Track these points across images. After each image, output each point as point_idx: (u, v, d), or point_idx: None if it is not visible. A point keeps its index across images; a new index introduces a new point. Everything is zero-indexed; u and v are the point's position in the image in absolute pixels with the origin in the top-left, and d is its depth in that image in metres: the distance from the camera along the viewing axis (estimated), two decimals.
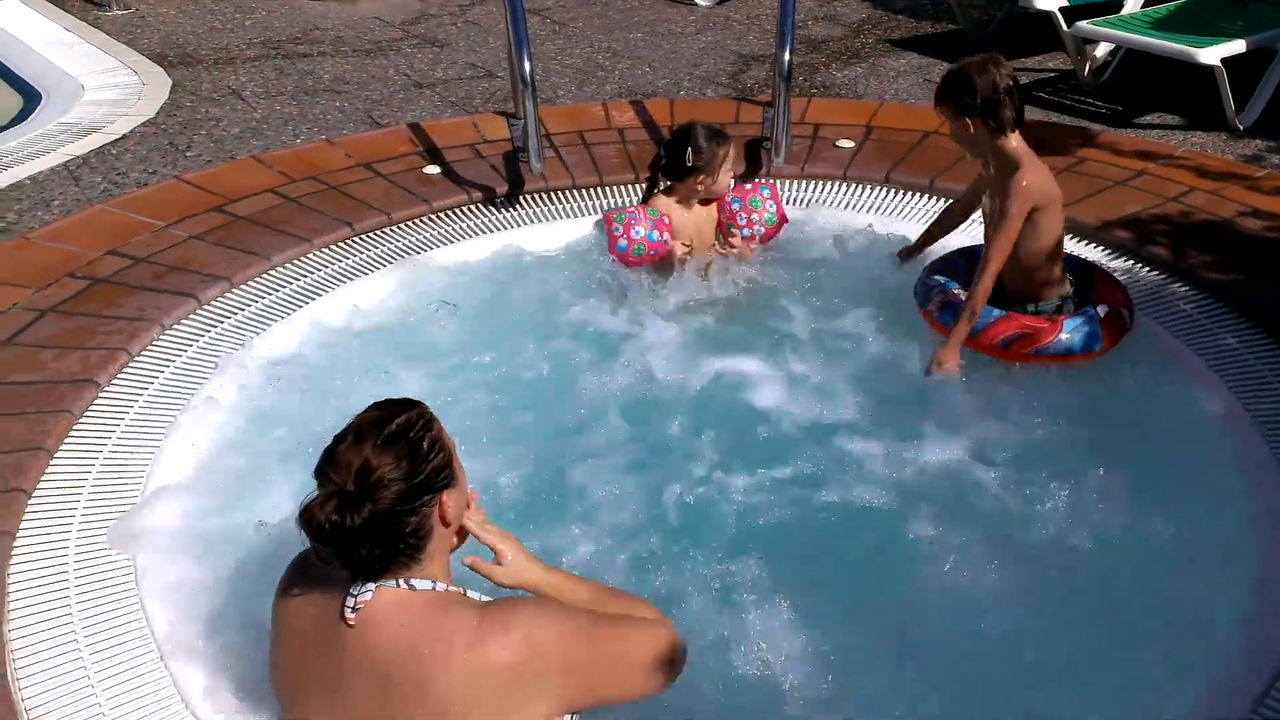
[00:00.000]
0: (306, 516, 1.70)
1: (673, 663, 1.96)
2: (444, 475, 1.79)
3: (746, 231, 3.75)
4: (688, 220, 3.76)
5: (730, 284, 3.67)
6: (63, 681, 2.21)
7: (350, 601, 1.75)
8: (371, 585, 1.76)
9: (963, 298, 3.19)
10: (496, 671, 1.71)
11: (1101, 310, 3.16)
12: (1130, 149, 4.57)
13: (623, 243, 3.62)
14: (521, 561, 2.00)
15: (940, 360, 3.14)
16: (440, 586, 1.80)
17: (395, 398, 1.85)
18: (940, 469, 2.84)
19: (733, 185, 3.81)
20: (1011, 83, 3.04)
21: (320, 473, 1.73)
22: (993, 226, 3.17)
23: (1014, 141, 3.08)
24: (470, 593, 1.85)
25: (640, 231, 3.63)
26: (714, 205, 3.79)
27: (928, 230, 3.70)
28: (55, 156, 4.63)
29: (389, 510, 1.70)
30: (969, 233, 3.61)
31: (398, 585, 1.77)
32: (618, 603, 2.05)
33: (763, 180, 3.97)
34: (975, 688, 2.25)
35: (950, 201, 3.66)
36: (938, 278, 3.36)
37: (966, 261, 3.40)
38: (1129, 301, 3.26)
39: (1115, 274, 3.53)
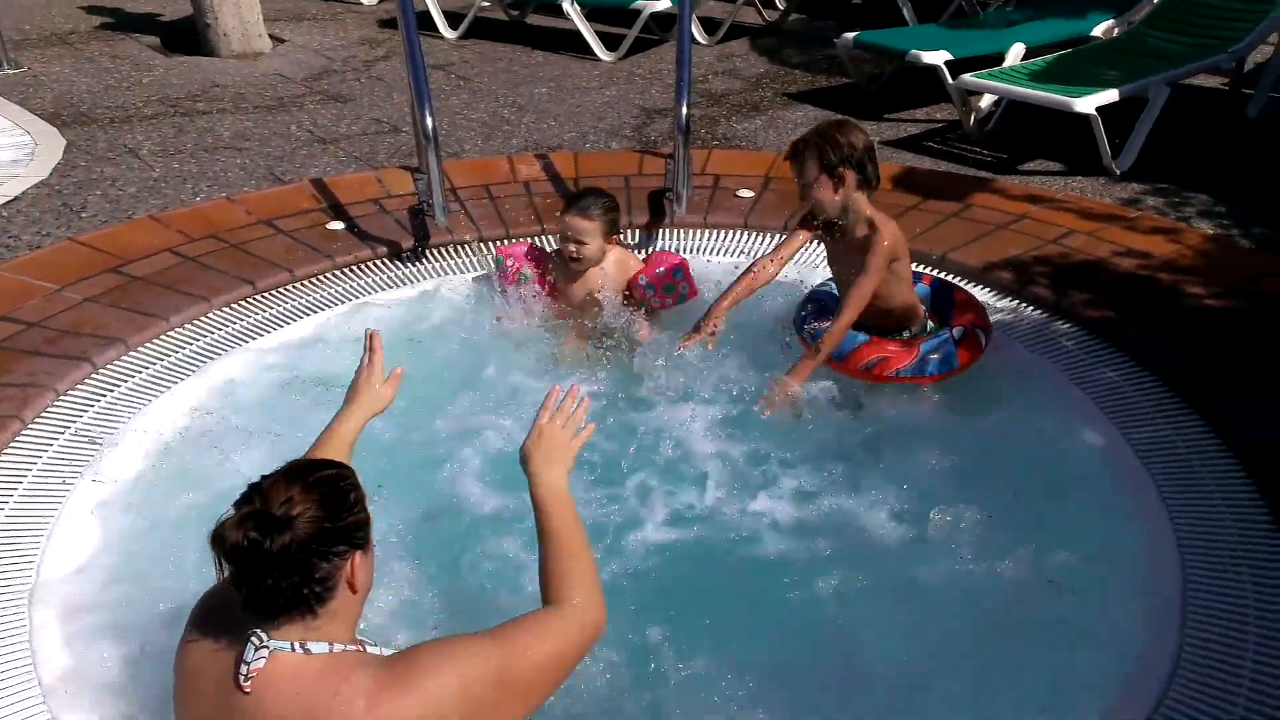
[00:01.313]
0: (220, 534, 1.68)
1: (583, 643, 1.97)
2: (361, 533, 1.80)
3: (656, 306, 3.79)
4: (577, 287, 3.78)
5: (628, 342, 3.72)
6: None
7: (244, 669, 1.72)
8: (265, 650, 1.73)
9: (858, 340, 3.31)
10: None
11: (956, 332, 3.34)
12: (1015, 193, 4.79)
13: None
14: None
15: (782, 384, 3.19)
16: (338, 647, 1.78)
17: (323, 458, 1.88)
18: (836, 507, 2.92)
19: (646, 258, 3.87)
20: (871, 144, 3.20)
21: (242, 499, 1.73)
22: (848, 280, 3.29)
23: (868, 200, 3.23)
24: (370, 647, 1.84)
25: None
26: (619, 276, 3.78)
27: (725, 299, 3.45)
28: None
29: (303, 544, 1.69)
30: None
31: (293, 649, 1.74)
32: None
33: (673, 255, 3.89)
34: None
35: (756, 260, 3.52)
36: (808, 309, 3.53)
37: (833, 295, 3.55)
38: (985, 321, 3.44)
39: (999, 313, 3.70)
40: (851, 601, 2.61)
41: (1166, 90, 5.37)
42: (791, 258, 3.50)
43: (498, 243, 4.35)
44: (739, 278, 3.49)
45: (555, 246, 3.92)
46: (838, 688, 2.40)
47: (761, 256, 3.55)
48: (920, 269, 3.89)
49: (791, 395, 3.19)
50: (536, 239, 4.42)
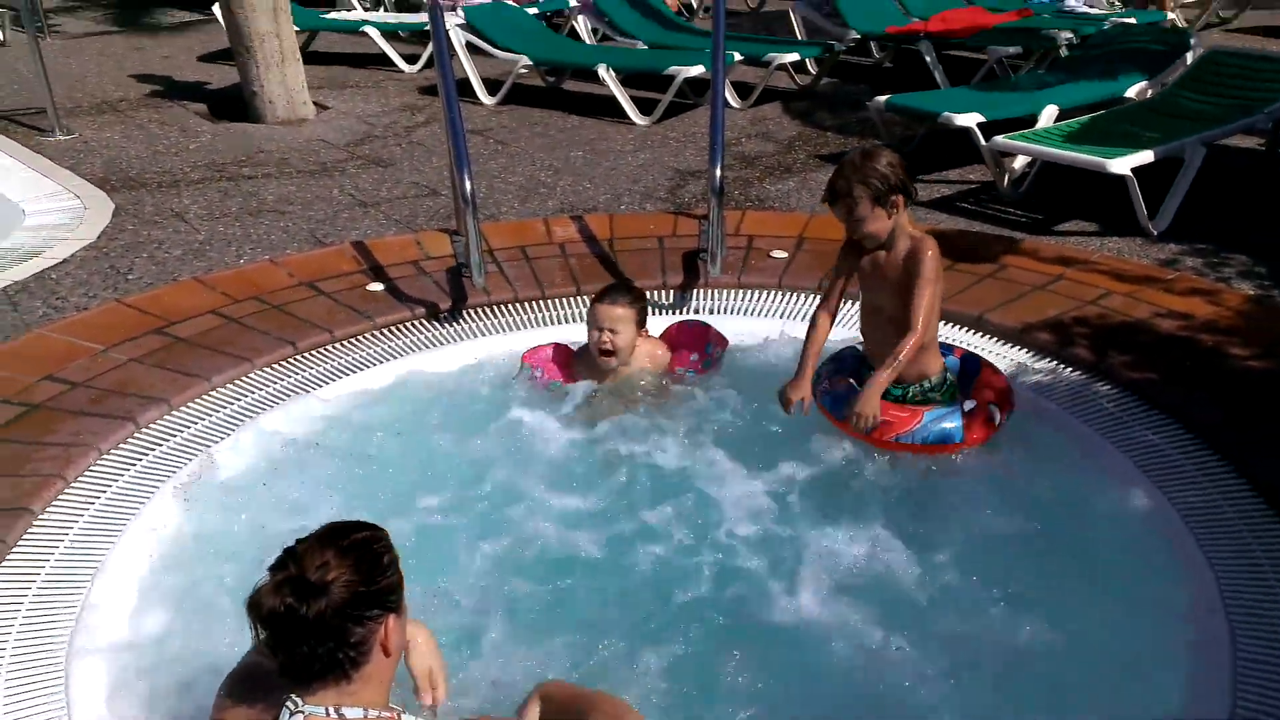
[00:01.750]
0: (256, 601, 1.70)
1: None
2: (394, 596, 1.82)
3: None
4: (606, 386, 3.72)
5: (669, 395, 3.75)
6: None
7: None
8: (301, 714, 1.73)
9: (839, 384, 3.36)
10: None
11: (968, 405, 3.30)
12: (1049, 255, 4.78)
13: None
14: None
15: (859, 412, 3.18)
16: (372, 713, 1.79)
17: (358, 519, 1.89)
18: (870, 567, 2.88)
19: (674, 349, 3.85)
20: (902, 159, 3.19)
21: (278, 564, 1.75)
22: (884, 304, 3.27)
23: (908, 216, 3.23)
24: (405, 715, 1.84)
25: (527, 366, 3.80)
26: (648, 366, 3.77)
27: (805, 356, 3.43)
28: None
29: (339, 610, 1.70)
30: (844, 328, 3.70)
31: (327, 714, 1.75)
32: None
33: (697, 332, 3.88)
34: None
35: (813, 316, 3.50)
36: (826, 369, 3.51)
37: (855, 353, 3.56)
38: (1004, 400, 3.35)
39: (1038, 374, 3.68)
40: (884, 663, 2.57)
41: (1203, 151, 5.36)
42: (842, 298, 3.48)
43: (535, 304, 4.41)
44: (805, 342, 3.46)
45: (580, 343, 3.84)
46: None
47: (816, 311, 3.50)
48: (954, 340, 3.89)
49: (872, 414, 3.17)
50: (571, 299, 4.46)
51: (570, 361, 3.84)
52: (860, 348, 3.57)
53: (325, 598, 1.69)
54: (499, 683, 2.45)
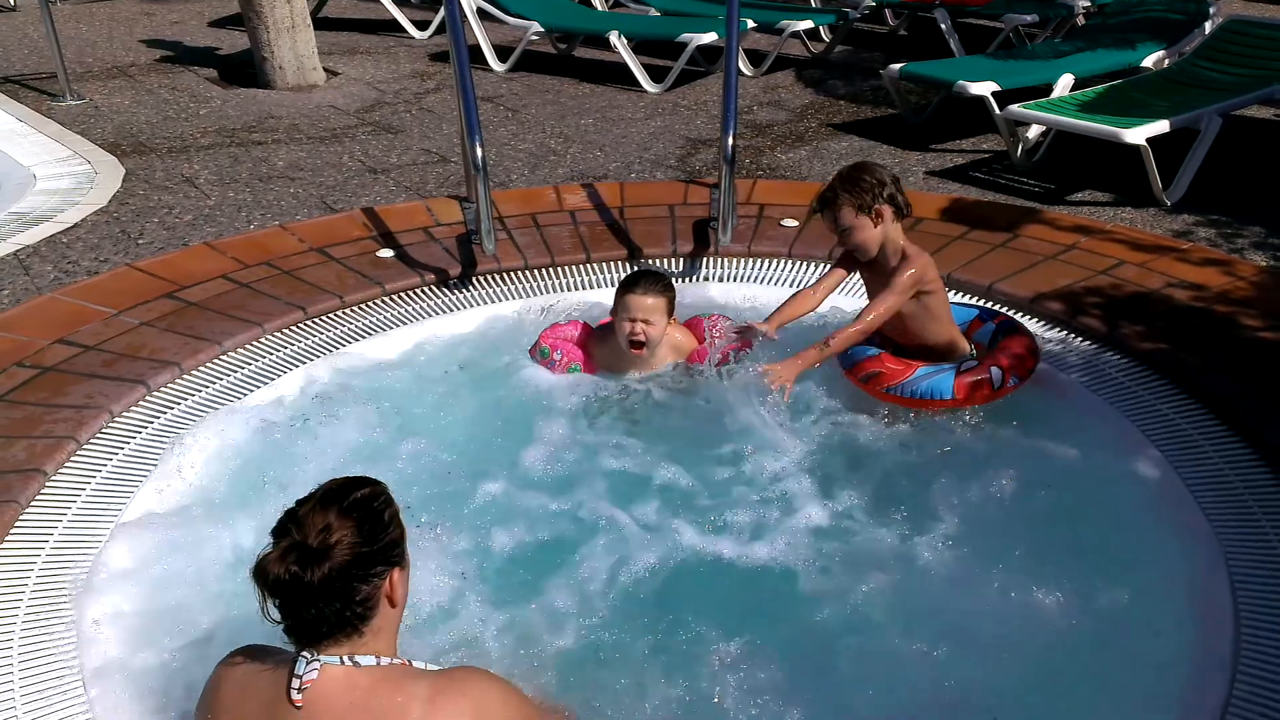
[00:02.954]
0: (262, 569, 1.72)
1: None
2: (397, 551, 1.84)
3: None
4: (613, 355, 3.67)
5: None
6: None
7: (295, 682, 1.76)
8: (316, 664, 1.76)
9: (868, 354, 3.40)
10: None
11: (966, 365, 3.33)
12: (1062, 225, 4.74)
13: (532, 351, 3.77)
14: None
15: (777, 369, 3.22)
16: (384, 660, 1.82)
17: (356, 475, 1.89)
18: (879, 535, 2.90)
19: (709, 341, 3.70)
20: (894, 175, 3.29)
21: (280, 530, 1.76)
22: (895, 317, 3.36)
23: (901, 230, 3.30)
24: (415, 663, 1.88)
25: (536, 341, 3.76)
26: (674, 353, 3.71)
27: (777, 312, 3.47)
28: (5, 246, 4.64)
29: (343, 571, 1.72)
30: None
31: (342, 663, 1.77)
32: None
33: (732, 345, 3.63)
34: None
35: (798, 291, 3.55)
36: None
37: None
38: (1010, 365, 3.33)
39: (1048, 343, 3.68)
40: (891, 629, 2.58)
41: (1219, 121, 5.30)
42: (833, 290, 3.55)
43: (545, 271, 4.40)
44: (785, 301, 3.53)
45: (599, 322, 3.82)
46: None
47: (806, 286, 3.60)
48: (992, 305, 3.91)
49: (786, 372, 3.22)
50: (581, 267, 4.45)
51: (591, 344, 3.73)
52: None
53: (329, 561, 1.71)
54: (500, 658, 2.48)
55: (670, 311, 3.59)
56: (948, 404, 3.30)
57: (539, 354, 3.73)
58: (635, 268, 4.22)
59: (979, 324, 3.60)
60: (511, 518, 2.96)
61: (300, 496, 1.83)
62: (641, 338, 3.52)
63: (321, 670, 1.76)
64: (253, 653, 1.94)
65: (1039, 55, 6.95)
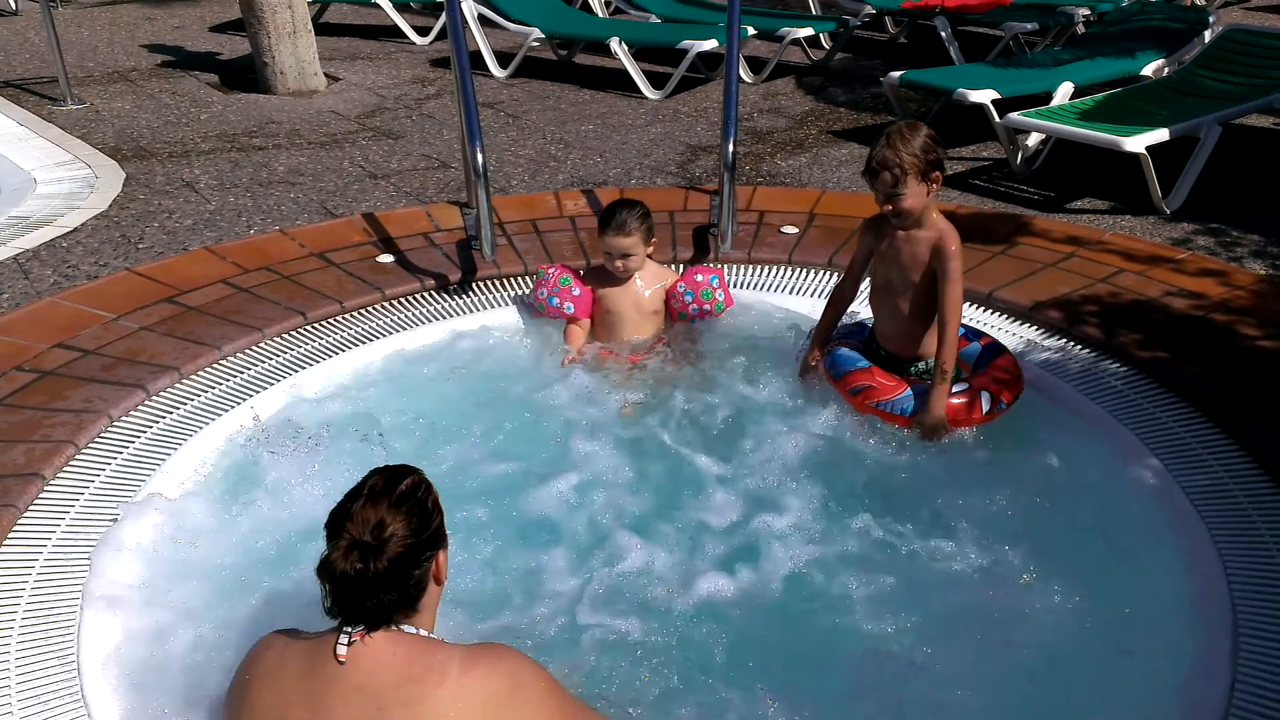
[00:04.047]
0: (328, 566, 1.85)
1: None
2: (442, 535, 2.00)
3: (698, 321, 3.96)
4: (622, 295, 3.91)
5: (670, 367, 3.80)
6: None
7: (344, 640, 1.88)
8: (362, 627, 1.89)
9: (842, 346, 3.48)
10: (482, 698, 1.88)
11: (958, 387, 3.29)
12: (1061, 233, 4.75)
13: (532, 300, 4.04)
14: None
15: (934, 427, 3.23)
16: (424, 633, 1.97)
17: (395, 465, 2.02)
18: (879, 548, 2.90)
19: (683, 271, 4.04)
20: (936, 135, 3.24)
21: (335, 527, 1.90)
22: (898, 281, 3.33)
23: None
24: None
25: (543, 293, 3.97)
26: (658, 285, 3.95)
27: (819, 331, 3.63)
28: (5, 250, 4.64)
29: (401, 561, 1.87)
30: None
31: (389, 628, 1.91)
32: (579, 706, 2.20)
33: (711, 268, 4.10)
34: None
35: (831, 295, 3.64)
36: (839, 333, 3.65)
37: (866, 328, 3.64)
38: (1000, 389, 3.32)
39: (1047, 351, 3.68)
40: (894, 641, 2.58)
41: (1218, 130, 5.32)
42: (865, 266, 3.52)
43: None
44: (826, 308, 3.63)
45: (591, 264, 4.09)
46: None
47: (835, 289, 3.66)
48: (982, 327, 3.91)
49: (939, 423, 3.22)
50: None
51: (585, 280, 3.98)
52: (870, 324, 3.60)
53: (386, 555, 1.85)
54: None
55: (647, 239, 3.84)
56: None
57: (546, 303, 3.96)
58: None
59: (964, 342, 3.52)
60: (512, 516, 2.98)
61: (349, 491, 1.96)
62: (625, 274, 3.87)
63: (366, 633, 1.89)
64: (288, 631, 2.05)
65: (1039, 63, 6.96)
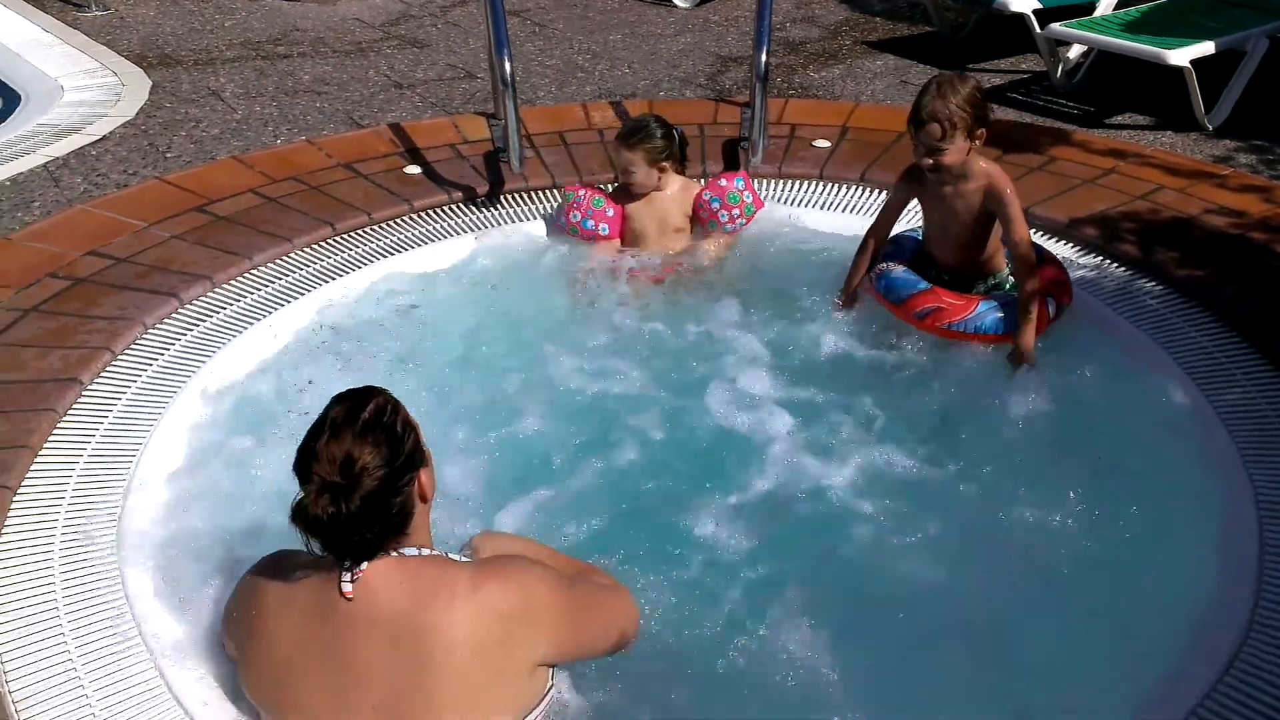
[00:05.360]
0: (301, 513, 1.77)
1: (632, 625, 2.16)
2: (418, 454, 1.89)
3: (729, 226, 3.92)
4: (646, 211, 3.90)
5: (701, 280, 3.78)
6: (51, 682, 2.23)
7: (346, 577, 1.83)
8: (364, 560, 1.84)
9: (894, 268, 3.41)
10: (497, 615, 1.84)
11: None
12: (1101, 148, 4.64)
13: (563, 222, 3.97)
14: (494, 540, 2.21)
15: (1025, 352, 3.19)
16: (425, 551, 1.91)
17: (356, 388, 1.91)
18: (911, 465, 2.90)
19: (705, 181, 4.02)
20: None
21: (303, 470, 1.79)
22: (949, 228, 3.31)
23: None
24: (452, 554, 1.97)
25: (576, 216, 3.93)
26: (684, 198, 3.93)
27: (852, 275, 3.58)
28: (35, 158, 4.63)
29: (377, 495, 1.77)
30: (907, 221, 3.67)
31: (388, 554, 1.86)
32: (580, 570, 2.23)
33: (736, 172, 4.06)
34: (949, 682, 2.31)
35: (863, 240, 3.56)
36: (886, 252, 3.56)
37: (915, 240, 3.60)
38: (1061, 290, 3.32)
39: (1083, 269, 3.64)
40: (928, 556, 2.60)
41: (1266, 43, 5.15)
42: (897, 216, 3.50)
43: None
44: (854, 263, 3.56)
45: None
46: (910, 638, 2.41)
47: (866, 236, 3.57)
48: None
49: (1028, 356, 3.18)
50: (610, 186, 4.41)
51: (614, 198, 3.97)
52: (919, 237, 3.57)
53: (360, 490, 1.75)
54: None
55: (651, 159, 3.80)
56: (1000, 338, 3.25)
57: (564, 197, 4.00)
58: None
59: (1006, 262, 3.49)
60: (540, 433, 3.00)
61: (311, 426, 1.84)
62: (639, 189, 3.88)
63: (370, 563, 1.84)
64: (283, 560, 1.99)
65: None
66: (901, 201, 3.47)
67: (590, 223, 3.89)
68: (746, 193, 3.94)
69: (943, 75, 3.14)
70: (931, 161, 3.12)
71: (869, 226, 3.58)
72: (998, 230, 3.30)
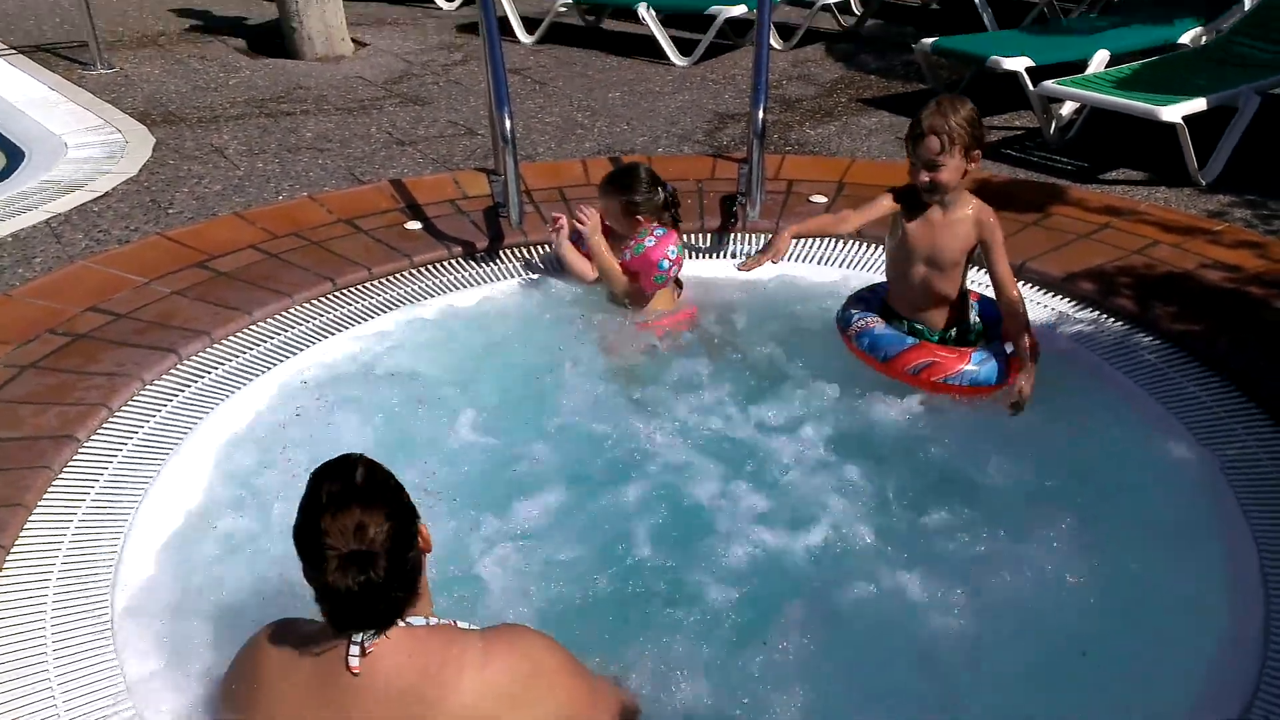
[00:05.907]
0: (328, 591, 1.73)
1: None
2: (412, 505, 1.87)
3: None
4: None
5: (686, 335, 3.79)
6: None
7: (355, 650, 1.78)
8: (372, 633, 1.79)
9: (875, 324, 3.38)
10: (505, 689, 1.81)
11: (1009, 347, 3.28)
12: (1095, 204, 4.69)
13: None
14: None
15: (1024, 390, 3.19)
16: (433, 620, 1.87)
17: (332, 460, 1.86)
18: (904, 516, 2.89)
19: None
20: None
21: (312, 549, 1.74)
22: (925, 258, 3.30)
23: None
24: (461, 624, 1.92)
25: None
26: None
27: (800, 226, 3.51)
28: (37, 214, 4.67)
29: (396, 554, 1.75)
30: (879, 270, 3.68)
31: (397, 624, 1.81)
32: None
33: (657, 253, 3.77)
34: None
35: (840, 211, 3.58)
36: (854, 310, 3.51)
37: (878, 295, 3.58)
38: (1034, 342, 3.29)
39: (1079, 324, 3.66)
40: (919, 605, 2.58)
41: (1257, 100, 5.21)
42: (874, 220, 3.43)
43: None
44: (818, 215, 3.51)
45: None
46: (913, 697, 2.38)
47: (847, 209, 3.54)
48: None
49: (1027, 392, 3.18)
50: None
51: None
52: (881, 290, 3.57)
53: (383, 553, 1.73)
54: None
55: (624, 211, 3.78)
56: (997, 388, 3.26)
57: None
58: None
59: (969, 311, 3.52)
60: (540, 487, 2.97)
61: (302, 507, 1.79)
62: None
63: (377, 637, 1.79)
64: (285, 629, 1.94)
65: (1074, 30, 6.84)
66: (885, 209, 3.37)
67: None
68: (675, 267, 3.76)
69: (942, 95, 3.19)
70: (928, 178, 3.14)
71: (841, 210, 3.61)
72: (963, 282, 3.35)
